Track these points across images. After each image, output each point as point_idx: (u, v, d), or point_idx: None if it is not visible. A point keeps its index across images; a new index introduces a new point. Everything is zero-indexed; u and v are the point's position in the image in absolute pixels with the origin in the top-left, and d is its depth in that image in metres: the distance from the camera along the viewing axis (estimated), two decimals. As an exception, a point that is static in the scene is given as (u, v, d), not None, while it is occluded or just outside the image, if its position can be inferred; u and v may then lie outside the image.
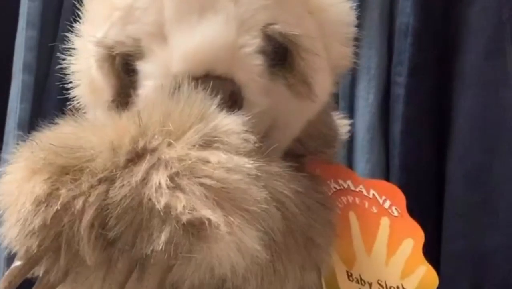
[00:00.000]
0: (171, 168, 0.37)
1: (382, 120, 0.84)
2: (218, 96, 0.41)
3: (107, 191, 0.37)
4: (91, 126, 0.41)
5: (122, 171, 0.37)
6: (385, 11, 0.86)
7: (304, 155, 0.52)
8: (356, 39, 0.54)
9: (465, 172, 0.78)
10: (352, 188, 0.52)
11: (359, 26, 0.56)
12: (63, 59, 0.54)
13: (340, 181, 0.52)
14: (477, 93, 0.79)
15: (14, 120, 0.95)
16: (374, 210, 0.51)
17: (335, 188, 0.52)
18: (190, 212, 0.35)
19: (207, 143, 0.38)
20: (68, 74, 0.54)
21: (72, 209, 0.36)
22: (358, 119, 0.83)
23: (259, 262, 0.40)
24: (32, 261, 0.38)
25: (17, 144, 0.42)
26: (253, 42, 0.44)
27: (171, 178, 0.36)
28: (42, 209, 0.36)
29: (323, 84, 0.50)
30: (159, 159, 0.37)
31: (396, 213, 0.51)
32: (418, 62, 0.82)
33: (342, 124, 0.60)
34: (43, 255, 0.37)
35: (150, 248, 0.35)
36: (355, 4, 0.83)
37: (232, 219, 0.36)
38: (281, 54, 0.47)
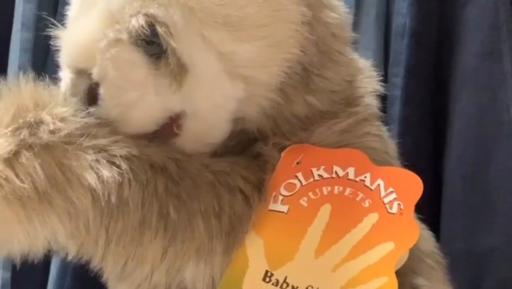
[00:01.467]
0: None
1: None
2: (76, 91, 0.46)
3: None
4: None
5: None
6: (381, 13, 0.86)
7: (269, 137, 0.52)
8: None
9: (462, 173, 0.78)
10: (350, 177, 0.49)
11: (355, 27, 0.56)
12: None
13: (336, 168, 0.50)
14: (474, 94, 0.79)
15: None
16: (366, 204, 0.48)
17: (320, 176, 0.49)
18: None
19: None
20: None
21: None
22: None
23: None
24: None
25: None
26: (112, 35, 0.46)
27: None
28: None
29: (207, 68, 0.49)
30: None
31: (394, 210, 0.48)
32: (414, 64, 0.82)
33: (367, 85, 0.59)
34: None
35: None
36: (351, 6, 0.84)
37: None
38: (156, 46, 0.47)
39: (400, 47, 0.82)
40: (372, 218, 0.47)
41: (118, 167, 0.44)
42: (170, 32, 0.46)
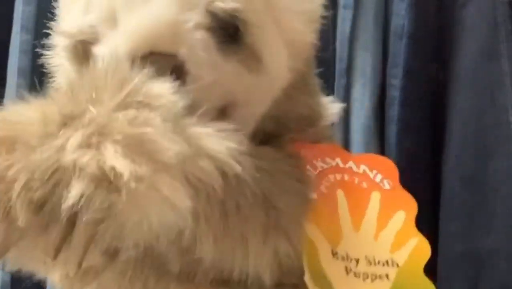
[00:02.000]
0: (86, 129, 0.38)
1: (377, 123, 0.84)
2: (162, 72, 0.43)
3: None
4: (29, 104, 0.42)
5: (49, 138, 0.38)
6: (380, 14, 0.86)
7: (283, 135, 0.53)
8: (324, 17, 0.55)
9: (461, 174, 0.78)
10: (341, 165, 0.53)
11: (354, 28, 0.56)
12: (44, 56, 0.57)
13: (328, 160, 0.53)
14: (472, 95, 0.79)
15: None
16: (364, 185, 0.52)
17: (322, 166, 0.53)
18: (96, 164, 0.36)
19: (126, 105, 0.39)
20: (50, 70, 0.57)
21: (6, 177, 0.37)
22: (354, 122, 0.83)
23: (205, 219, 0.41)
24: None
25: None
26: (195, 18, 0.46)
27: (85, 137, 0.37)
28: None
29: (277, 58, 0.51)
30: (80, 123, 0.38)
31: (387, 186, 0.52)
32: (413, 65, 0.82)
33: (330, 108, 0.60)
34: None
35: (67, 204, 0.36)
36: (350, 7, 0.84)
37: (138, 167, 0.36)
38: (231, 32, 0.48)
39: (399, 48, 0.83)
40: (376, 196, 0.51)
41: None
42: (248, 19, 0.47)
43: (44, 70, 0.98)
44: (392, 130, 0.82)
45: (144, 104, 0.40)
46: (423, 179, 0.81)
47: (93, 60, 0.47)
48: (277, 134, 0.53)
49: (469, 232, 0.76)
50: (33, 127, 0.39)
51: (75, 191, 0.36)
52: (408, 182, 0.79)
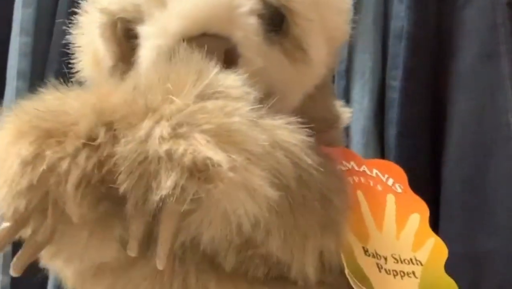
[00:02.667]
0: (172, 119, 0.37)
1: (377, 125, 0.84)
2: (214, 55, 0.42)
3: (95, 151, 0.38)
4: (74, 94, 0.42)
5: (124, 130, 0.38)
6: (379, 15, 0.86)
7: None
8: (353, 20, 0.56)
9: (461, 175, 0.78)
10: (356, 168, 0.53)
11: (353, 30, 0.56)
12: (69, 35, 0.56)
13: (345, 162, 0.53)
14: (472, 96, 0.79)
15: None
16: (379, 188, 0.52)
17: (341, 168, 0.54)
18: (191, 154, 0.36)
19: (206, 96, 0.39)
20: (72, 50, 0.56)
21: (58, 170, 0.37)
22: (353, 124, 0.83)
23: (277, 212, 0.40)
24: (19, 221, 0.39)
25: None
26: (248, 3, 0.46)
27: (173, 128, 0.37)
28: (29, 170, 0.37)
29: (318, 51, 0.51)
30: (161, 114, 0.38)
31: (399, 190, 0.52)
32: (412, 66, 0.82)
33: (343, 112, 0.60)
34: (30, 215, 0.38)
35: (158, 195, 0.36)
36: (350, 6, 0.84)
37: (234, 157, 0.36)
38: (277, 21, 0.48)
39: (398, 50, 0.83)
40: (391, 198, 0.52)
41: None
42: (296, 10, 0.48)
43: (43, 73, 0.98)
44: (391, 132, 0.82)
45: (225, 95, 0.39)
46: (423, 180, 0.80)
47: (139, 41, 0.47)
48: None
49: (469, 233, 0.76)
50: (84, 121, 0.38)
51: (168, 182, 0.35)
52: (408, 183, 0.79)
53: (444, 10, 0.82)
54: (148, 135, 0.37)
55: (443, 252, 0.50)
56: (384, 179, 0.53)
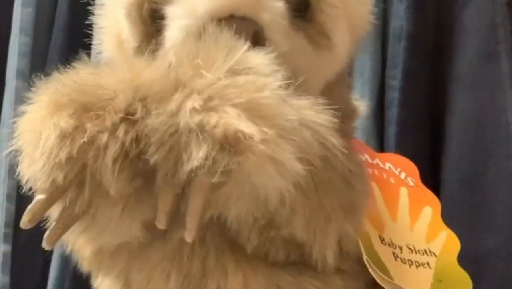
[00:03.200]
0: (203, 93, 0.38)
1: (376, 124, 0.84)
2: (242, 36, 0.42)
3: (132, 126, 0.38)
4: (108, 69, 0.42)
5: (156, 103, 0.38)
6: (379, 15, 0.86)
7: None
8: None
9: (460, 175, 0.78)
10: (370, 161, 0.54)
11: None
12: (92, 16, 0.56)
13: (359, 155, 0.53)
14: (471, 96, 0.79)
15: (8, 127, 0.95)
16: (392, 181, 0.53)
17: None
18: (223, 126, 0.36)
19: (236, 71, 0.39)
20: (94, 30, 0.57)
21: (97, 143, 0.37)
22: (353, 123, 0.83)
23: (302, 190, 0.40)
24: (56, 193, 0.39)
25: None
26: None
27: (204, 101, 0.37)
28: (67, 142, 0.37)
29: (342, 38, 0.51)
30: (192, 88, 0.38)
31: (412, 184, 0.53)
32: (412, 66, 0.82)
33: (359, 104, 0.60)
34: (68, 187, 0.38)
35: (189, 166, 0.36)
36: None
37: (265, 130, 0.36)
38: (302, 7, 0.48)
39: (398, 49, 0.83)
40: (404, 191, 0.53)
41: None
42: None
43: (43, 73, 0.98)
44: (391, 131, 0.82)
45: (255, 71, 0.39)
46: (423, 179, 0.80)
47: (166, 22, 0.47)
48: None
49: (468, 233, 0.76)
50: (121, 96, 0.38)
51: (199, 153, 0.35)
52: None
53: (443, 9, 0.82)
54: (179, 108, 0.37)
55: (456, 245, 0.51)
56: (397, 172, 0.53)
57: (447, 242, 0.51)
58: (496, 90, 0.77)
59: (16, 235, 0.92)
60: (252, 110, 0.37)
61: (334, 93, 0.53)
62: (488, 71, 0.78)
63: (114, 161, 0.37)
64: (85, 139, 0.37)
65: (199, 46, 0.41)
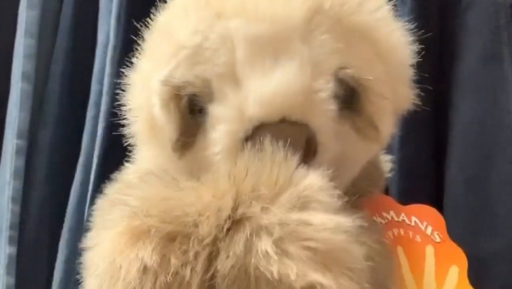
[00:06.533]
0: (273, 233, 0.36)
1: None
2: (295, 144, 0.41)
3: (211, 256, 0.37)
4: (190, 188, 0.40)
5: (224, 241, 0.37)
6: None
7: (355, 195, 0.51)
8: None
9: (464, 177, 0.78)
10: (396, 219, 0.52)
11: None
12: (121, 95, 0.53)
13: (384, 214, 0.52)
14: (475, 98, 0.79)
15: (13, 129, 0.95)
16: (418, 239, 0.52)
17: (381, 222, 0.52)
18: (302, 278, 0.35)
19: (303, 204, 0.38)
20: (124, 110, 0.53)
21: (181, 279, 0.36)
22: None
23: None
24: None
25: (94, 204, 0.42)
26: (327, 86, 0.44)
27: (276, 244, 0.36)
28: (150, 278, 0.36)
29: (389, 128, 0.50)
30: (258, 225, 0.37)
31: (438, 239, 0.52)
32: (415, 68, 0.82)
33: (384, 160, 0.60)
34: None
35: None
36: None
37: (342, 281, 0.36)
38: (349, 98, 0.46)
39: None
40: (430, 250, 0.51)
41: None
42: (372, 88, 0.46)
43: (48, 75, 0.99)
44: (394, 134, 0.82)
45: (324, 207, 0.38)
46: (426, 182, 0.81)
47: (207, 118, 0.45)
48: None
49: (472, 235, 0.76)
50: (206, 223, 0.37)
51: None
52: (411, 186, 0.79)
53: (446, 12, 0.82)
54: (248, 250, 0.36)
55: None
56: (423, 228, 0.52)
57: None
58: (500, 93, 0.77)
59: (21, 237, 0.92)
60: (327, 255, 0.36)
61: (369, 162, 0.52)
62: (492, 74, 0.78)
63: None
64: (169, 277, 0.36)
65: (259, 170, 0.39)
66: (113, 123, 0.58)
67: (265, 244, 0.36)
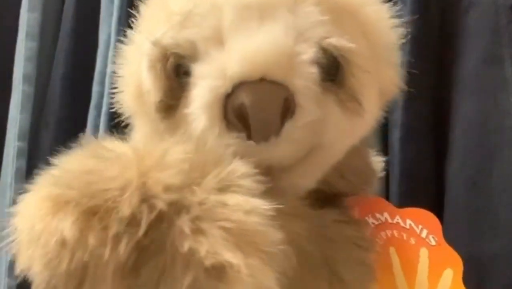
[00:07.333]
0: (191, 212, 0.37)
1: (381, 128, 0.84)
2: (272, 102, 0.42)
3: (131, 234, 0.37)
4: (115, 158, 0.41)
5: (145, 219, 0.37)
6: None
7: (346, 194, 0.52)
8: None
9: (465, 178, 0.78)
10: (390, 220, 0.53)
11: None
12: (114, 63, 0.55)
13: (378, 215, 0.53)
14: (475, 100, 0.79)
15: (14, 130, 0.95)
16: (412, 241, 0.52)
17: (373, 223, 0.52)
18: (212, 255, 0.36)
19: (225, 187, 0.39)
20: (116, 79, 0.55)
21: (99, 257, 0.36)
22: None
23: None
24: None
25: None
26: (309, 51, 0.45)
27: (192, 221, 0.37)
28: (68, 253, 0.36)
29: (372, 103, 0.50)
30: (181, 204, 0.38)
31: (433, 242, 0.51)
32: (416, 69, 0.82)
33: (376, 161, 0.60)
34: None
35: None
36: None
37: (252, 261, 0.36)
38: (332, 70, 0.47)
39: (402, 53, 0.83)
40: (424, 252, 0.51)
41: None
42: (356, 61, 0.46)
43: (49, 77, 0.99)
44: (395, 135, 0.82)
45: (244, 191, 0.39)
46: (427, 184, 0.81)
47: (192, 79, 0.46)
48: (337, 193, 0.52)
49: (473, 237, 0.76)
50: (127, 200, 0.37)
51: (187, 281, 0.35)
52: (412, 187, 0.79)
53: (447, 13, 0.82)
54: (169, 226, 0.37)
55: None
56: (418, 231, 0.52)
57: None
58: (500, 94, 0.77)
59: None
60: (240, 236, 0.37)
61: (357, 156, 0.53)
62: (492, 75, 0.78)
63: (113, 274, 0.36)
64: (87, 254, 0.36)
65: (192, 155, 0.40)
66: (114, 125, 0.59)
67: (182, 221, 0.36)
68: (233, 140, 0.43)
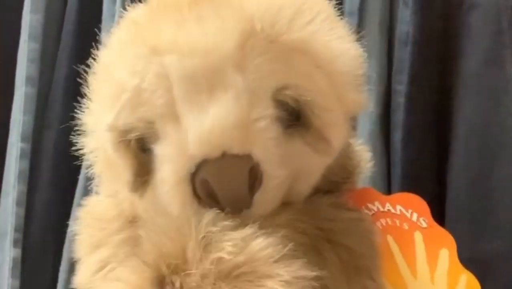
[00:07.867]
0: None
1: (382, 129, 0.84)
2: (238, 175, 0.43)
3: None
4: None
5: None
6: (384, 20, 0.87)
7: (331, 191, 0.52)
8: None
9: (466, 178, 0.78)
10: (381, 209, 0.53)
11: (358, 35, 0.56)
12: (78, 138, 0.53)
13: (370, 205, 0.53)
14: (477, 101, 0.79)
15: (17, 132, 0.95)
16: (406, 226, 0.52)
17: (367, 214, 0.53)
18: None
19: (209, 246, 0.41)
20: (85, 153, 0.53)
21: None
22: (359, 128, 0.83)
23: None
24: None
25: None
26: (266, 113, 0.44)
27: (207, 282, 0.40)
28: None
29: (340, 136, 0.49)
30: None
31: (424, 224, 0.52)
32: (418, 71, 0.82)
33: (362, 151, 0.60)
34: None
35: None
36: (354, 13, 0.85)
37: None
38: (295, 114, 0.46)
39: (404, 54, 0.83)
40: (418, 236, 0.52)
41: None
42: (316, 103, 0.45)
43: (51, 79, 0.99)
44: (397, 136, 0.82)
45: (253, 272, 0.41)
46: (429, 184, 0.81)
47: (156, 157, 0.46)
48: (325, 191, 0.51)
49: (475, 237, 0.76)
50: None
51: None
52: (413, 187, 0.79)
53: (449, 14, 0.83)
54: None
55: (476, 287, 0.51)
56: (408, 215, 0.53)
57: (468, 286, 0.51)
58: (502, 94, 0.78)
59: (26, 239, 0.93)
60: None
61: (336, 160, 0.51)
62: (494, 76, 0.78)
63: None
64: None
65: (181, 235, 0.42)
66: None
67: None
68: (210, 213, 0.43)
